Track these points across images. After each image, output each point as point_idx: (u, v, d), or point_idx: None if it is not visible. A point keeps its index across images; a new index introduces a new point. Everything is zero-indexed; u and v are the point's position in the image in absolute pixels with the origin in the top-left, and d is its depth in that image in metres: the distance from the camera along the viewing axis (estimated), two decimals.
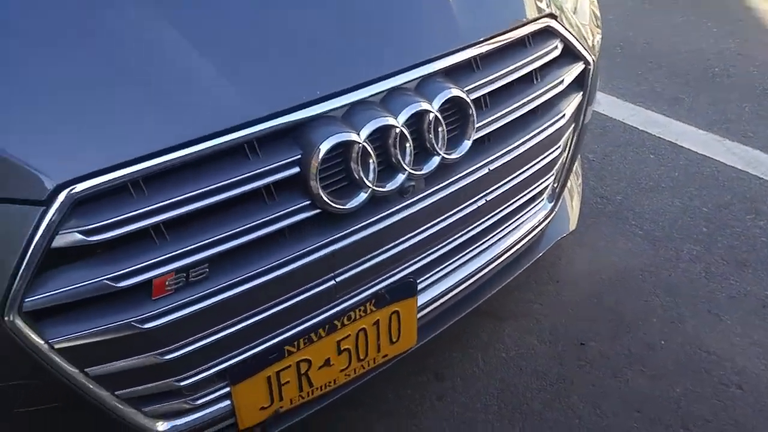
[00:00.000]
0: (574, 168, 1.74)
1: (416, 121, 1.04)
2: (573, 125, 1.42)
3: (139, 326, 0.86)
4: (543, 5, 1.28)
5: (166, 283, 0.88)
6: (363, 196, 0.99)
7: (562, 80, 1.29)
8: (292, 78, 0.97)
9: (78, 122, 0.85)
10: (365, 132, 0.98)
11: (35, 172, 0.80)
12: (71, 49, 0.89)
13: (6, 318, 0.80)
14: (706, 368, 1.63)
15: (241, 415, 1.08)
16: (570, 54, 1.33)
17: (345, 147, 0.97)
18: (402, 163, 1.03)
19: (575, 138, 1.47)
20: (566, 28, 1.30)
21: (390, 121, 1.00)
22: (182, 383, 0.97)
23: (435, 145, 1.06)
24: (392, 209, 1.07)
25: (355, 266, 1.07)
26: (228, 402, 1.06)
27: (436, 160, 1.07)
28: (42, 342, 0.83)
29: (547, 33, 1.27)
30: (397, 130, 1.01)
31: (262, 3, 1.03)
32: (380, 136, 1.01)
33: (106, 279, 0.83)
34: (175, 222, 0.88)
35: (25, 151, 0.81)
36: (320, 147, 0.94)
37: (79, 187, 0.81)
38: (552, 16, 1.27)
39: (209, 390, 1.03)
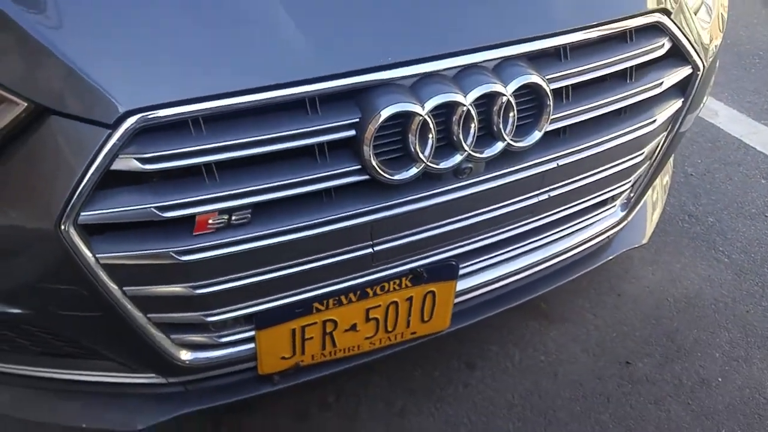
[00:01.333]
0: (660, 179, 1.70)
1: (486, 102, 1.06)
2: (665, 133, 1.40)
3: (177, 257, 0.96)
4: None
5: (209, 221, 0.97)
6: (414, 170, 1.04)
7: (661, 83, 1.26)
8: (366, 39, 1.02)
9: (154, 55, 0.93)
10: (429, 105, 1.01)
11: (107, 96, 0.89)
12: None
13: (62, 227, 0.91)
14: (761, 414, 1.60)
15: (262, 361, 1.18)
16: (677, 55, 1.29)
17: (405, 117, 1.01)
18: (463, 142, 1.06)
19: (665, 147, 1.44)
20: (679, 27, 1.25)
21: (457, 97, 1.03)
22: (210, 319, 1.07)
23: (502, 130, 1.09)
24: (443, 188, 1.11)
25: (395, 239, 1.12)
26: (251, 346, 1.15)
27: (499, 146, 1.09)
28: (90, 255, 0.94)
29: (655, 29, 1.24)
30: (464, 108, 1.04)
31: None
32: (445, 112, 1.04)
33: (154, 207, 0.92)
34: (227, 164, 0.96)
35: (101, 75, 0.90)
36: (380, 113, 0.99)
37: (145, 116, 0.89)
38: (664, 11, 1.23)
39: (235, 330, 1.13)
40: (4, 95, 0.90)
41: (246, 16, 0.97)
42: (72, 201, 0.90)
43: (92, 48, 0.92)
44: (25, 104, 0.90)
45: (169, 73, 0.93)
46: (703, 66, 1.31)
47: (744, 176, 2.44)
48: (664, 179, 1.80)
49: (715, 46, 1.41)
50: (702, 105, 1.52)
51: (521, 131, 1.12)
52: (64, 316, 1.04)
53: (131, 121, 0.89)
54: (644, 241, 1.69)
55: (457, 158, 1.07)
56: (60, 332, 1.08)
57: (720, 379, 1.68)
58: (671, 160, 1.87)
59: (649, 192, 1.69)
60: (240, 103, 0.94)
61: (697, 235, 2.15)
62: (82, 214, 0.91)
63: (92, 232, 0.95)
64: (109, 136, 0.89)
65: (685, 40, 1.26)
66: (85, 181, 0.89)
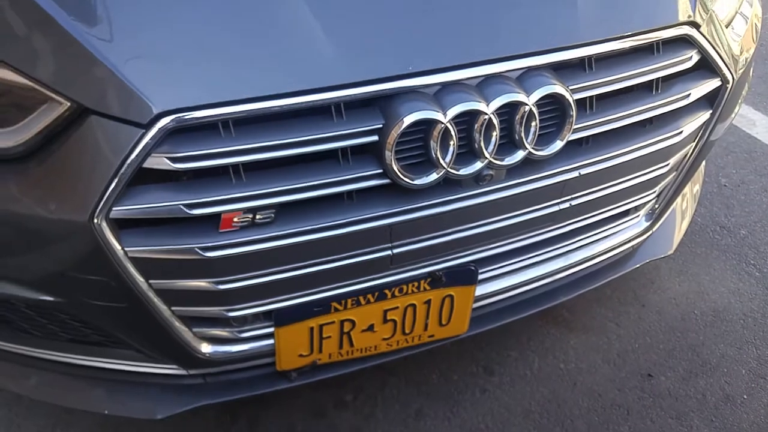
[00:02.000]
0: (690, 188, 1.73)
1: (509, 111, 1.11)
2: (692, 144, 1.43)
3: (202, 253, 1.03)
4: (686, 10, 1.26)
5: (234, 219, 1.03)
6: (434, 175, 1.09)
7: (688, 95, 1.30)
8: (391, 48, 1.07)
9: (187, 60, 1.00)
10: (451, 113, 1.06)
11: (142, 98, 0.96)
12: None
13: (95, 220, 0.98)
14: None
15: (281, 357, 1.25)
16: (706, 67, 1.32)
17: (427, 124, 1.07)
18: (484, 150, 1.11)
19: (692, 158, 1.47)
20: (708, 39, 1.29)
21: (480, 106, 1.08)
22: (231, 314, 1.14)
23: (524, 139, 1.13)
24: (463, 194, 1.16)
25: (414, 242, 1.18)
26: (270, 342, 1.22)
27: (520, 154, 1.14)
28: (119, 248, 1.02)
29: (683, 42, 1.27)
30: (486, 117, 1.09)
31: None
32: (467, 120, 1.09)
33: (182, 204, 0.99)
34: (253, 165, 1.02)
35: (137, 78, 0.97)
36: (402, 120, 1.04)
37: (176, 117, 0.96)
38: (693, 24, 1.26)
39: (255, 326, 1.20)
40: (49, 95, 0.98)
41: (276, 24, 1.04)
42: (105, 196, 0.98)
43: (129, 52, 0.99)
44: (68, 104, 0.98)
45: (201, 76, 1.00)
46: (733, 79, 1.34)
47: None
48: (694, 188, 1.82)
49: (746, 58, 1.43)
50: (733, 115, 1.54)
51: (543, 140, 1.17)
52: (93, 305, 1.11)
53: (164, 121, 0.96)
54: (670, 252, 1.71)
55: (478, 165, 1.12)
56: (88, 320, 1.16)
57: (745, 397, 1.70)
58: (702, 168, 1.89)
59: (679, 201, 1.72)
60: (268, 107, 1.00)
61: (728, 248, 2.16)
62: (114, 208, 0.99)
63: (122, 226, 1.02)
64: (143, 136, 0.96)
65: (714, 52, 1.29)
66: (118, 177, 0.97)
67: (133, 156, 0.96)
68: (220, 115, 0.99)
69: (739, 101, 1.55)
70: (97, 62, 0.97)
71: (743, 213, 2.32)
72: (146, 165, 0.98)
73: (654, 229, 1.58)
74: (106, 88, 0.97)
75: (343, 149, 1.06)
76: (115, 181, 0.97)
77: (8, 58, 0.99)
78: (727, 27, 1.39)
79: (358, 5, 1.09)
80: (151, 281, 1.07)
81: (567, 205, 1.28)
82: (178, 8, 1.03)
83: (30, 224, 1.02)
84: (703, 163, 1.90)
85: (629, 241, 1.52)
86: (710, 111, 1.37)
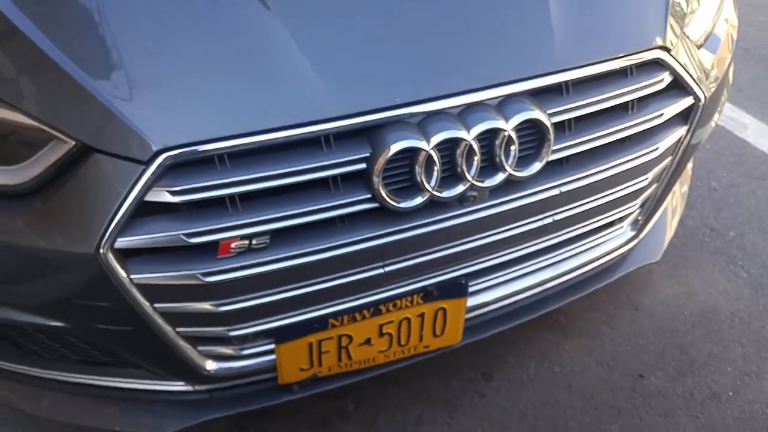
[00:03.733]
0: (672, 198, 1.75)
1: (489, 136, 1.15)
2: (671, 158, 1.46)
3: (202, 279, 1.07)
4: (657, 35, 1.30)
5: (231, 245, 1.08)
6: (420, 199, 1.13)
7: (662, 114, 1.33)
8: (376, 82, 1.11)
9: (185, 98, 1.05)
10: (434, 140, 1.10)
11: (143, 136, 1.01)
12: (189, 38, 1.09)
13: (101, 251, 1.03)
14: None
15: (282, 372, 1.29)
16: (679, 87, 1.35)
17: (412, 151, 1.11)
18: (466, 174, 1.15)
19: (673, 170, 1.50)
20: (679, 61, 1.32)
21: (461, 134, 1.12)
22: (233, 333, 1.18)
23: (504, 162, 1.17)
24: (448, 215, 1.19)
25: (405, 260, 1.22)
26: (272, 357, 1.26)
27: (501, 177, 1.18)
28: (124, 275, 1.06)
29: (656, 64, 1.30)
30: (467, 143, 1.12)
31: (361, 10, 1.17)
32: (449, 146, 1.13)
33: (182, 234, 1.04)
34: (248, 195, 1.07)
35: (137, 117, 1.02)
36: (389, 149, 1.09)
37: (175, 154, 1.01)
38: (664, 48, 1.29)
39: (256, 344, 1.24)
40: (54, 134, 1.03)
41: (267, 63, 1.08)
42: (110, 228, 1.02)
43: (130, 94, 1.04)
44: (73, 143, 1.03)
45: (197, 114, 1.05)
46: (705, 97, 1.37)
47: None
48: (682, 188, 1.84)
49: (717, 76, 1.46)
50: (713, 122, 1.57)
51: (523, 162, 1.20)
52: (101, 329, 1.16)
53: (163, 158, 1.01)
54: (657, 259, 1.74)
55: (460, 188, 1.16)
56: (96, 343, 1.21)
57: (731, 393, 1.72)
58: (689, 170, 1.91)
59: (669, 204, 1.74)
60: (261, 141, 1.05)
61: (717, 249, 2.18)
62: (119, 240, 1.03)
63: (127, 255, 1.07)
64: (144, 171, 1.01)
65: (686, 73, 1.32)
66: (122, 211, 1.01)
67: (135, 191, 1.01)
68: (216, 149, 1.03)
69: (719, 109, 1.58)
70: (100, 104, 1.02)
71: (732, 215, 2.34)
72: (148, 198, 1.02)
73: (640, 237, 1.61)
74: (109, 128, 1.02)
75: (334, 177, 1.10)
76: (119, 214, 1.02)
77: (16, 101, 1.04)
78: (700, 48, 1.42)
79: (345, 43, 1.13)
80: (155, 305, 1.11)
81: (550, 220, 1.32)
82: (175, 52, 1.08)
83: (38, 256, 1.07)
84: (690, 164, 1.93)
85: (615, 251, 1.55)
86: (685, 127, 1.40)
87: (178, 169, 1.03)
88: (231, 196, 1.06)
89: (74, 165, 1.04)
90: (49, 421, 1.35)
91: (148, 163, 1.01)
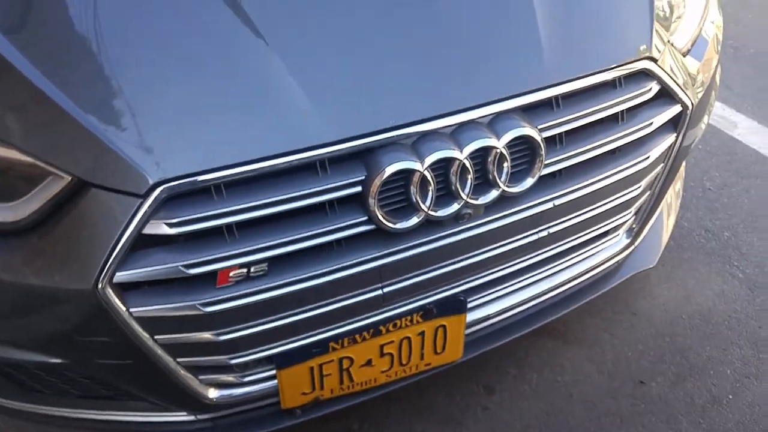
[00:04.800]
0: (666, 204, 1.78)
1: (481, 154, 1.17)
2: (662, 165, 1.48)
3: (202, 309, 1.08)
4: (643, 45, 1.33)
5: (230, 274, 1.09)
6: (415, 219, 1.15)
7: (651, 123, 1.36)
8: (369, 106, 1.13)
9: (179, 130, 1.07)
10: (428, 161, 1.13)
11: (139, 170, 1.03)
12: (182, 69, 1.10)
13: (99, 286, 1.04)
14: None
15: (284, 397, 1.30)
16: (667, 96, 1.38)
17: (407, 173, 1.13)
18: (460, 192, 1.17)
19: (665, 177, 1.53)
20: (665, 71, 1.35)
21: (454, 153, 1.14)
22: (233, 361, 1.19)
23: (497, 179, 1.19)
24: (445, 233, 1.21)
25: (403, 280, 1.23)
26: (273, 383, 1.27)
27: (494, 193, 1.20)
28: (124, 309, 1.07)
29: (643, 75, 1.33)
30: (460, 162, 1.15)
31: (352, 37, 1.19)
32: (443, 165, 1.15)
33: (181, 265, 1.05)
34: (246, 223, 1.08)
35: (133, 152, 1.04)
36: (383, 171, 1.11)
37: (171, 186, 1.03)
38: (650, 58, 1.32)
39: (257, 370, 1.26)
40: (50, 170, 1.04)
41: (261, 92, 1.10)
42: (108, 263, 1.04)
43: (125, 128, 1.06)
44: (69, 178, 1.04)
45: (192, 146, 1.06)
46: (692, 103, 1.40)
47: (761, 189, 2.49)
48: (676, 188, 1.86)
49: (703, 82, 1.49)
50: (704, 125, 1.60)
51: (515, 177, 1.23)
52: (101, 364, 1.17)
53: (160, 190, 1.02)
54: (653, 264, 1.77)
55: (455, 206, 1.18)
56: (97, 377, 1.22)
57: (731, 397, 1.75)
58: (682, 169, 1.93)
59: (664, 207, 1.77)
60: (257, 169, 1.07)
61: (712, 250, 2.21)
62: (117, 274, 1.05)
63: (126, 288, 1.08)
64: (141, 205, 1.02)
65: (673, 82, 1.35)
66: (119, 246, 1.03)
67: (132, 224, 1.02)
68: (212, 179, 1.05)
69: (708, 111, 1.61)
70: (95, 138, 1.04)
71: (726, 215, 2.37)
72: (145, 231, 1.03)
73: (636, 244, 1.63)
74: (104, 161, 1.04)
75: (330, 201, 1.12)
76: (117, 248, 1.03)
77: (10, 137, 1.06)
78: (686, 55, 1.45)
79: (338, 69, 1.15)
80: (156, 337, 1.13)
81: (545, 233, 1.34)
82: (168, 85, 1.09)
83: (36, 293, 1.08)
84: (684, 163, 1.95)
85: (611, 259, 1.57)
86: (674, 134, 1.43)
87: (175, 200, 1.04)
88: (229, 225, 1.07)
89: (71, 201, 1.06)
90: None
91: (145, 196, 1.02)
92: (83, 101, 1.06)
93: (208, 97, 1.09)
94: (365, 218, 1.14)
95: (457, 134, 1.16)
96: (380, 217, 1.13)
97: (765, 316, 1.96)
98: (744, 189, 2.50)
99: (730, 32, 3.79)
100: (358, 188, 1.12)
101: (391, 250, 1.18)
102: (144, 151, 1.04)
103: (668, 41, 1.40)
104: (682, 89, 1.37)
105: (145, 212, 1.02)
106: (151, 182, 1.02)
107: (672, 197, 1.84)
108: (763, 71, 3.34)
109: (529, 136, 1.19)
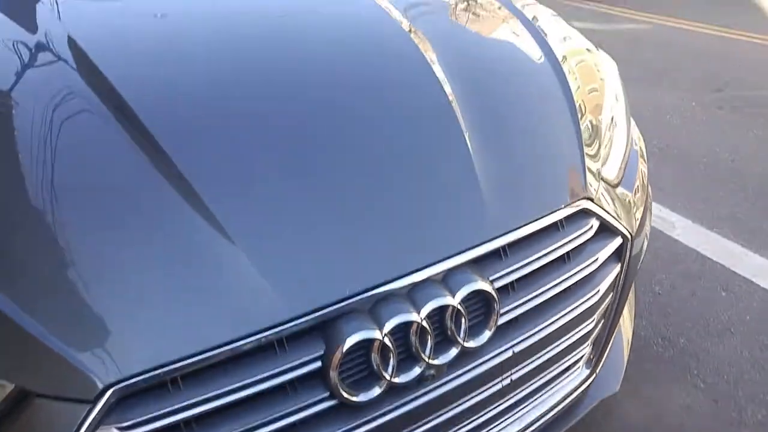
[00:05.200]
0: (622, 326, 1.82)
1: (439, 312, 1.19)
2: (612, 295, 1.53)
3: None
4: (579, 186, 1.41)
5: None
6: (378, 390, 1.14)
7: (596, 259, 1.41)
8: (322, 279, 1.14)
9: (129, 326, 1.04)
10: (388, 327, 1.12)
11: (87, 372, 0.99)
12: (127, 264, 1.09)
13: None
14: None
15: None
16: (607, 230, 1.45)
17: (367, 342, 1.12)
18: (421, 354, 1.17)
19: (617, 304, 1.57)
20: (603, 207, 1.42)
21: (413, 316, 1.14)
22: None
23: (456, 335, 1.20)
24: (409, 397, 1.20)
25: None
26: None
27: (454, 351, 1.20)
28: None
29: (583, 213, 1.40)
30: (418, 324, 1.15)
31: (301, 210, 1.21)
32: (402, 328, 1.16)
33: None
34: (204, 414, 1.04)
35: (78, 352, 1.00)
36: (343, 343, 1.10)
37: (121, 387, 0.99)
38: (587, 198, 1.40)
39: None
40: None
41: (213, 277, 1.09)
42: None
43: (69, 328, 1.02)
44: (12, 386, 0.99)
45: (145, 340, 1.03)
46: (631, 235, 1.47)
47: (705, 290, 2.58)
48: (625, 326, 1.91)
49: (637, 208, 1.58)
50: (645, 245, 1.66)
51: (473, 331, 1.24)
52: None
53: (110, 393, 0.98)
54: (616, 390, 1.77)
55: (417, 370, 1.17)
56: None
57: None
58: (631, 295, 1.99)
59: (620, 328, 1.79)
60: (214, 356, 1.04)
61: (671, 359, 2.25)
62: None
63: None
64: (90, 411, 0.98)
65: (610, 216, 1.43)
66: None
67: None
68: (166, 373, 1.02)
69: (647, 232, 1.68)
70: (37, 342, 1.00)
71: (678, 320, 2.43)
72: None
73: (596, 373, 1.64)
74: (47, 369, 0.99)
75: (290, 380, 1.10)
76: None
77: None
78: (617, 186, 1.54)
79: (288, 243, 1.16)
80: None
81: (508, 381, 1.34)
82: (114, 280, 1.07)
83: None
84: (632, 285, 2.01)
85: (574, 392, 1.57)
86: (619, 264, 1.49)
87: (127, 400, 1.00)
88: (187, 420, 1.03)
89: (15, 410, 1.00)
90: None
91: (94, 402, 0.98)
92: (22, 300, 1.03)
93: (159, 291, 1.08)
94: (327, 394, 1.12)
95: (413, 294, 1.17)
96: (342, 392, 1.11)
97: (731, 428, 1.97)
98: (690, 292, 2.58)
99: (654, 134, 4.05)
100: (318, 364, 1.11)
101: (356, 423, 1.15)
102: (90, 352, 1.01)
103: (600, 176, 1.48)
104: (619, 221, 1.45)
105: (94, 419, 0.98)
106: (100, 386, 0.98)
107: (626, 318, 1.88)
108: (689, 170, 3.55)
109: (483, 290, 1.21)
